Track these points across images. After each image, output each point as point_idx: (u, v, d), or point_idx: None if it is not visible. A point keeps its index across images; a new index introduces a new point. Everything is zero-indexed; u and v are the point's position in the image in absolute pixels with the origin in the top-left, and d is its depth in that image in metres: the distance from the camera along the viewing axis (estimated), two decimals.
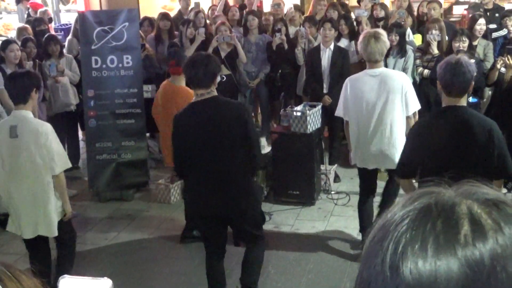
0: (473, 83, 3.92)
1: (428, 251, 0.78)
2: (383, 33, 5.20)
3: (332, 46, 7.30)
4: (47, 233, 4.60)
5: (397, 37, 7.27)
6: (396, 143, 5.13)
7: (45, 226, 4.57)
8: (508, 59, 6.33)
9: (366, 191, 5.55)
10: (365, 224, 5.49)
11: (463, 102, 3.90)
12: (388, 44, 5.21)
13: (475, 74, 3.95)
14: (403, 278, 0.78)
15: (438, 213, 0.81)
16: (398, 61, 7.38)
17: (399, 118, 5.12)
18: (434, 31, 7.14)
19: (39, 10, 10.03)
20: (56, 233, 4.60)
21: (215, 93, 4.30)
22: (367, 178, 5.51)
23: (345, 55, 7.37)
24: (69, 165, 4.67)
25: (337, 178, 7.39)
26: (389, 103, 5.08)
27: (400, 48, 7.34)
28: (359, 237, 5.71)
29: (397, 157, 5.07)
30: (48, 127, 4.49)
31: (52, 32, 9.38)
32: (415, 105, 5.14)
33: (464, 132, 3.83)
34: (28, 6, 10.66)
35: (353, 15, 8.68)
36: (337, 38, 8.17)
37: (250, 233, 4.51)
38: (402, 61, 7.37)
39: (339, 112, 5.42)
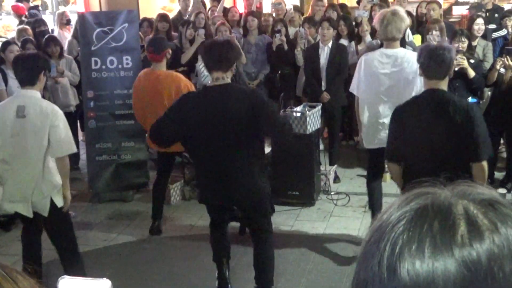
0: (452, 66, 4.01)
1: (425, 252, 0.78)
2: (401, 9, 5.19)
3: (330, 44, 7.32)
4: (42, 211, 4.52)
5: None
6: None
7: (43, 205, 4.49)
8: (507, 60, 6.32)
9: (374, 171, 5.63)
10: (375, 203, 5.56)
11: (443, 86, 3.99)
12: (407, 21, 5.18)
13: (454, 59, 4.05)
14: (400, 279, 0.78)
15: (434, 214, 0.81)
16: None
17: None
18: (434, 32, 7.14)
19: (57, 12, 10.02)
20: (46, 212, 4.50)
21: (229, 80, 4.31)
22: (375, 157, 5.51)
23: (344, 52, 7.40)
24: (74, 149, 4.63)
25: (337, 179, 7.40)
26: (402, 84, 5.11)
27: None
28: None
29: None
30: (57, 109, 4.45)
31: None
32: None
33: (442, 112, 3.90)
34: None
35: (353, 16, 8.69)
36: (337, 39, 8.17)
37: (258, 222, 4.55)
38: None
39: (352, 88, 5.51)
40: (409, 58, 5.14)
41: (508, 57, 6.35)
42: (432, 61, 3.88)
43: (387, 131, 5.13)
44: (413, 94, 5.03)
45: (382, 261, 0.80)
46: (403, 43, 7.38)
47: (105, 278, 0.96)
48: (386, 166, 6.99)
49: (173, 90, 5.63)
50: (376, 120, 5.28)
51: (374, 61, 5.22)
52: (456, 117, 3.85)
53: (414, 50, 7.40)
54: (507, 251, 0.78)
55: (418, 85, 5.02)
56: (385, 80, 5.15)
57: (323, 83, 7.39)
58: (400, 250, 0.79)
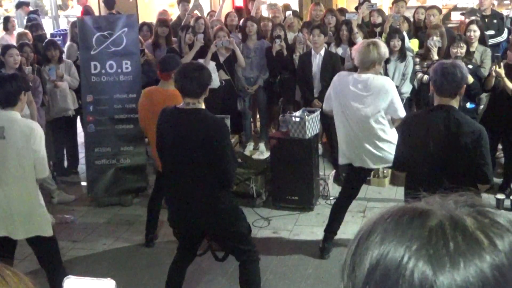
0: (464, 86, 4.05)
1: (460, 269, 0.81)
2: (381, 43, 5.27)
3: (323, 52, 7.36)
4: (41, 232, 4.53)
5: (399, 42, 7.32)
6: (380, 145, 5.27)
7: (38, 225, 4.50)
8: (496, 67, 6.36)
9: (345, 193, 5.68)
10: (333, 228, 5.64)
11: (454, 103, 4.03)
12: (385, 54, 5.23)
13: (467, 78, 4.08)
14: None
15: (453, 232, 0.84)
16: (398, 65, 7.44)
17: (380, 125, 5.22)
18: (435, 37, 7.17)
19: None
20: (51, 232, 4.55)
21: (202, 105, 4.29)
22: (351, 177, 5.64)
23: (336, 60, 7.45)
24: (46, 173, 4.58)
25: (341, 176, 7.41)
26: (370, 110, 5.15)
27: (401, 53, 7.39)
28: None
29: (375, 157, 5.30)
30: (38, 129, 4.43)
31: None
32: (401, 111, 5.20)
33: (453, 131, 3.95)
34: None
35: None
36: (337, 44, 8.19)
37: (234, 247, 4.44)
38: (402, 65, 7.43)
39: (324, 104, 5.59)
40: (379, 82, 5.17)
41: (496, 65, 6.38)
42: (444, 79, 3.92)
43: (359, 148, 5.31)
44: (382, 115, 5.14)
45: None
46: (403, 49, 7.43)
47: (109, 278, 0.97)
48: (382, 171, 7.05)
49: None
50: (348, 138, 5.39)
51: (345, 82, 5.27)
52: (463, 137, 3.91)
53: (412, 55, 7.48)
54: None
55: (396, 107, 5.12)
56: (355, 100, 5.20)
57: (315, 90, 7.44)
58: (433, 275, 0.81)
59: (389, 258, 0.84)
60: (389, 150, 5.14)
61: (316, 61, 7.40)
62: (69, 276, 0.97)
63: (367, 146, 5.29)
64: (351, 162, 5.50)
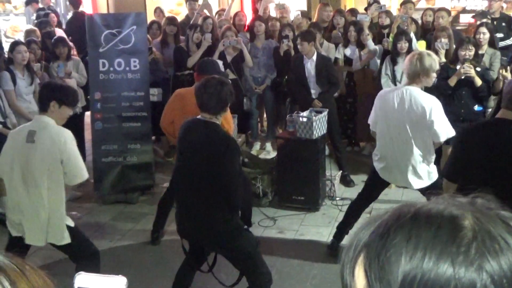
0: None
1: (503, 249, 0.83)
2: (428, 55, 5.09)
3: (314, 57, 7.35)
4: (56, 241, 4.53)
5: (406, 44, 7.31)
6: (417, 163, 5.16)
7: (54, 233, 4.50)
8: (503, 71, 6.34)
9: (366, 199, 5.60)
10: (346, 228, 5.57)
11: None
12: (432, 66, 5.02)
13: None
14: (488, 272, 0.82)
15: (482, 237, 0.85)
16: None
17: (423, 141, 5.10)
18: (443, 39, 7.16)
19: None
20: (67, 240, 4.52)
21: (219, 121, 4.21)
22: (376, 187, 5.53)
23: (328, 63, 7.47)
24: (85, 177, 4.57)
25: (351, 183, 7.39)
26: (414, 125, 5.03)
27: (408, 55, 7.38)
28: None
29: (415, 177, 5.18)
30: (67, 135, 4.42)
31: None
32: (446, 132, 4.98)
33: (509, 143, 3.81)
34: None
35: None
36: (345, 45, 8.20)
37: (234, 263, 4.35)
38: None
39: (370, 120, 5.42)
40: (421, 100, 5.01)
41: (503, 68, 6.36)
42: None
43: (398, 165, 5.19)
44: (425, 137, 5.02)
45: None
46: (410, 51, 7.41)
47: (120, 275, 0.97)
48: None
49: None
50: (389, 154, 5.27)
51: (388, 97, 5.16)
52: None
53: None
54: None
55: (436, 130, 4.96)
56: (398, 116, 5.08)
57: (313, 92, 7.45)
58: (487, 251, 0.83)
59: (431, 269, 0.83)
60: (426, 178, 5.13)
61: (308, 65, 7.42)
62: (80, 272, 0.98)
63: (406, 167, 5.19)
64: (393, 182, 5.44)
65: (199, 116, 4.21)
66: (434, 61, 5.03)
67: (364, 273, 0.89)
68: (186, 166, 4.20)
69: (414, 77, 5.02)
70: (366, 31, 7.90)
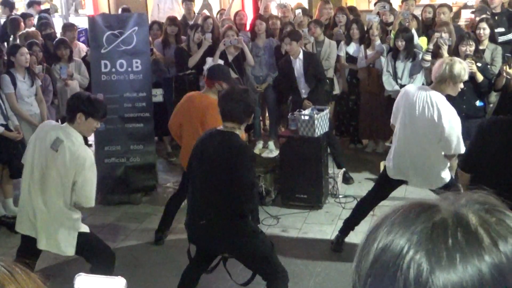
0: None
1: (457, 265, 0.80)
2: (459, 62, 5.03)
3: (301, 56, 7.38)
4: (59, 251, 4.54)
5: (404, 42, 7.33)
6: (433, 165, 5.14)
7: (57, 244, 4.49)
8: (506, 67, 6.32)
9: (376, 198, 5.57)
10: (353, 225, 5.60)
11: None
12: (460, 75, 4.95)
13: None
14: None
15: (455, 227, 0.83)
16: (407, 64, 7.44)
17: (437, 148, 5.07)
18: (443, 34, 7.16)
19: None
20: (71, 253, 4.53)
21: (242, 130, 4.22)
22: (387, 187, 5.50)
23: (314, 59, 7.49)
24: (91, 205, 4.54)
25: (351, 180, 7.40)
26: (429, 130, 5.00)
27: (407, 53, 7.40)
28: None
29: (431, 177, 5.15)
30: (88, 157, 4.39)
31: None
32: (454, 148, 4.92)
33: None
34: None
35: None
36: (347, 42, 8.20)
37: (252, 268, 4.34)
38: (411, 64, 7.42)
39: (392, 114, 5.40)
40: (439, 109, 4.95)
41: (507, 65, 6.34)
42: None
43: (412, 165, 5.16)
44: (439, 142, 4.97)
45: (408, 285, 0.81)
46: (411, 46, 7.42)
47: (120, 276, 0.99)
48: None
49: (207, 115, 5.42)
50: (403, 151, 5.23)
51: (411, 95, 5.11)
52: None
53: (422, 52, 7.46)
54: None
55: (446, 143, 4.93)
56: (417, 114, 5.03)
57: (303, 91, 7.47)
58: (430, 269, 0.81)
59: (391, 249, 0.84)
60: (439, 182, 5.12)
61: (297, 66, 7.44)
62: (80, 273, 0.99)
63: (420, 168, 5.17)
64: (406, 180, 5.39)
65: (220, 127, 4.17)
66: (464, 70, 4.94)
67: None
68: (201, 175, 4.16)
69: (440, 82, 4.95)
70: (376, 31, 7.91)
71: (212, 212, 4.13)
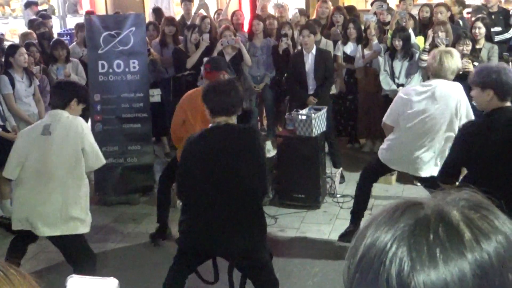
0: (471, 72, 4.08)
1: (438, 261, 0.80)
2: (456, 52, 5.13)
3: (314, 51, 7.37)
4: (68, 231, 4.57)
5: (401, 42, 7.34)
6: (433, 155, 5.21)
7: (66, 225, 4.53)
8: None
9: (372, 178, 5.72)
10: (360, 209, 5.67)
11: (509, 103, 3.97)
12: (460, 64, 5.11)
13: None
14: None
15: (437, 223, 0.84)
16: (404, 63, 7.44)
17: (443, 134, 5.13)
18: (440, 34, 7.17)
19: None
20: (82, 231, 4.63)
21: (234, 120, 4.10)
22: (383, 169, 5.64)
23: (328, 57, 7.47)
24: (104, 161, 4.79)
25: (342, 179, 7.41)
26: (439, 117, 5.06)
27: (404, 52, 7.41)
28: None
29: (434, 166, 5.19)
30: (83, 123, 4.63)
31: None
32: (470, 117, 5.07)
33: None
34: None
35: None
36: (344, 42, 8.21)
37: (256, 275, 4.21)
38: (408, 64, 7.43)
39: (385, 117, 5.43)
40: (448, 90, 5.07)
41: (506, 63, 6.35)
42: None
43: (419, 163, 5.21)
44: (451, 125, 5.02)
45: (391, 280, 0.82)
46: (409, 45, 7.42)
47: (112, 277, 0.99)
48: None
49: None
50: (410, 147, 5.27)
51: (412, 95, 5.17)
52: None
53: (419, 51, 7.47)
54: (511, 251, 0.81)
55: (462, 115, 5.02)
56: (425, 111, 5.10)
57: (310, 87, 7.45)
58: (411, 265, 0.81)
59: (376, 245, 0.85)
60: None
61: (309, 60, 7.42)
62: (72, 275, 0.99)
63: (423, 155, 5.23)
64: (396, 168, 5.57)
65: (212, 124, 4.05)
66: (455, 64, 5.02)
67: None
68: (218, 176, 3.94)
69: (435, 76, 5.05)
70: (373, 30, 7.92)
71: (237, 211, 3.96)
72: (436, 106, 5.06)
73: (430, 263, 0.80)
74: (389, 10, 8.71)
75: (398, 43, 7.36)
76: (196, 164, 4.01)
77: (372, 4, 9.48)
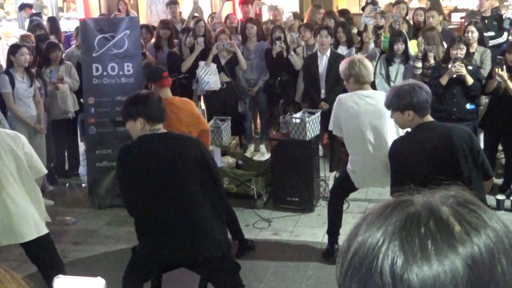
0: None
1: (430, 254, 0.82)
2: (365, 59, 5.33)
3: (328, 53, 7.38)
4: (37, 233, 4.50)
5: (403, 46, 7.36)
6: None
7: (29, 227, 4.45)
8: (498, 70, 6.34)
9: (342, 195, 5.66)
10: (336, 227, 5.59)
11: (430, 118, 4.12)
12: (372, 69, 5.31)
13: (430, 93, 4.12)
14: (409, 285, 0.82)
15: (427, 217, 0.85)
16: (400, 67, 7.47)
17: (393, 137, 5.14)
18: (423, 40, 7.28)
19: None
20: (43, 231, 4.52)
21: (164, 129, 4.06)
22: (350, 187, 5.54)
23: (340, 61, 7.43)
24: (45, 171, 4.68)
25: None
26: (385, 124, 5.05)
27: (404, 56, 7.43)
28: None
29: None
30: (19, 135, 4.48)
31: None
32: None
33: (443, 143, 4.02)
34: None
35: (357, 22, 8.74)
36: (335, 46, 8.22)
37: (224, 283, 4.20)
38: (404, 68, 7.45)
39: (331, 127, 5.44)
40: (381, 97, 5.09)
41: (499, 67, 6.36)
42: (425, 99, 4.01)
43: (374, 168, 5.16)
44: (394, 132, 5.02)
45: (384, 274, 0.83)
46: (406, 52, 7.43)
47: (99, 277, 0.99)
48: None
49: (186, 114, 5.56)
50: (362, 159, 5.25)
51: (351, 102, 5.17)
52: (460, 144, 3.97)
53: (412, 56, 7.50)
54: (501, 245, 0.83)
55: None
56: (367, 120, 5.11)
57: (322, 91, 7.45)
58: (403, 257, 0.82)
59: (368, 242, 0.86)
60: None
61: (322, 62, 7.44)
62: (59, 275, 0.99)
63: (381, 166, 5.14)
64: (367, 186, 5.61)
65: (153, 131, 3.98)
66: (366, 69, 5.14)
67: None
68: (164, 185, 3.88)
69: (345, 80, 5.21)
70: (370, 34, 7.93)
71: (196, 216, 3.93)
72: (376, 110, 5.04)
73: (422, 255, 0.82)
74: (382, 13, 8.72)
75: (400, 47, 7.36)
76: (137, 173, 3.93)
77: (363, 8, 9.50)
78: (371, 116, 5.09)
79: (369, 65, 5.18)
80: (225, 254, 4.15)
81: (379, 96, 5.07)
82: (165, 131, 4.04)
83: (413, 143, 4.13)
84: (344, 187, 5.55)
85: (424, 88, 4.05)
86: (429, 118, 4.11)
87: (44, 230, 4.51)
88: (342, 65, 5.25)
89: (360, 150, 5.23)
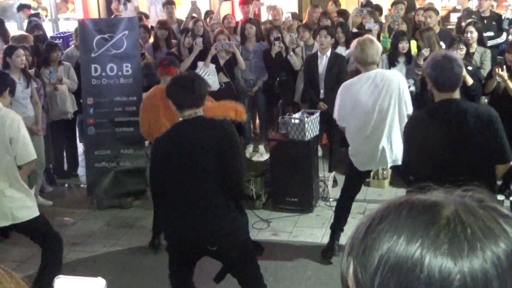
0: (463, 75, 4.01)
1: (477, 251, 0.82)
2: (374, 38, 5.28)
3: (328, 53, 7.38)
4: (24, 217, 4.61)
5: (407, 45, 7.37)
6: (394, 142, 5.20)
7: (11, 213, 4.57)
8: (498, 70, 6.33)
9: (351, 192, 5.63)
10: (340, 225, 5.58)
11: (456, 95, 3.93)
12: (380, 48, 5.24)
13: (463, 67, 3.99)
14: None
15: (470, 219, 0.86)
16: (402, 67, 7.47)
17: (396, 117, 5.16)
18: (420, 43, 7.29)
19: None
20: (29, 216, 4.61)
21: (201, 113, 4.03)
22: (357, 179, 5.57)
23: (342, 61, 7.45)
24: (34, 156, 4.68)
25: (334, 183, 7.41)
26: (387, 103, 5.09)
27: (408, 56, 7.43)
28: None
29: (393, 155, 5.19)
30: (14, 117, 4.55)
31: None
32: (410, 106, 5.20)
33: (461, 123, 3.84)
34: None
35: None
36: (334, 46, 8.21)
37: (243, 271, 4.16)
38: (406, 68, 7.47)
39: (335, 116, 5.44)
40: (389, 76, 5.17)
41: (499, 67, 6.35)
42: (444, 73, 3.80)
43: (377, 150, 5.20)
44: (397, 112, 5.06)
45: (432, 277, 0.83)
46: (410, 52, 7.44)
47: (99, 277, 0.98)
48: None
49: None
50: (364, 142, 5.27)
51: (354, 87, 5.17)
52: (476, 124, 3.81)
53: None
54: None
55: (406, 100, 5.11)
56: (369, 101, 5.10)
57: (322, 91, 7.44)
58: (451, 259, 0.83)
59: (402, 251, 0.84)
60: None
61: (322, 63, 7.43)
62: (60, 276, 0.98)
63: (384, 145, 5.22)
64: (369, 168, 5.56)
65: (182, 118, 3.99)
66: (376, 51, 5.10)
67: (352, 261, 0.92)
68: (189, 169, 3.89)
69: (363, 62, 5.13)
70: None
71: (217, 204, 3.95)
72: (378, 92, 5.07)
73: (472, 255, 0.82)
74: (372, 13, 8.57)
75: (405, 46, 7.37)
76: (166, 162, 3.97)
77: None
78: (372, 97, 5.09)
79: (372, 45, 5.04)
80: (245, 244, 4.16)
81: (385, 75, 5.12)
82: (197, 116, 3.97)
83: (430, 122, 3.97)
84: (353, 179, 5.58)
85: (450, 62, 3.81)
86: (452, 95, 3.87)
87: (23, 218, 4.59)
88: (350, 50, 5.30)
89: (361, 132, 5.25)
